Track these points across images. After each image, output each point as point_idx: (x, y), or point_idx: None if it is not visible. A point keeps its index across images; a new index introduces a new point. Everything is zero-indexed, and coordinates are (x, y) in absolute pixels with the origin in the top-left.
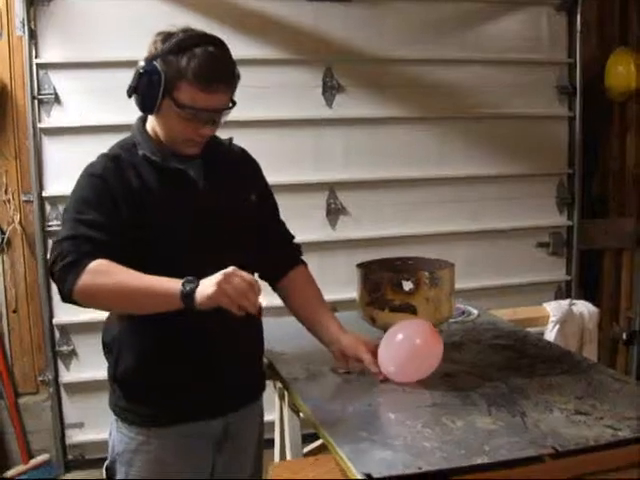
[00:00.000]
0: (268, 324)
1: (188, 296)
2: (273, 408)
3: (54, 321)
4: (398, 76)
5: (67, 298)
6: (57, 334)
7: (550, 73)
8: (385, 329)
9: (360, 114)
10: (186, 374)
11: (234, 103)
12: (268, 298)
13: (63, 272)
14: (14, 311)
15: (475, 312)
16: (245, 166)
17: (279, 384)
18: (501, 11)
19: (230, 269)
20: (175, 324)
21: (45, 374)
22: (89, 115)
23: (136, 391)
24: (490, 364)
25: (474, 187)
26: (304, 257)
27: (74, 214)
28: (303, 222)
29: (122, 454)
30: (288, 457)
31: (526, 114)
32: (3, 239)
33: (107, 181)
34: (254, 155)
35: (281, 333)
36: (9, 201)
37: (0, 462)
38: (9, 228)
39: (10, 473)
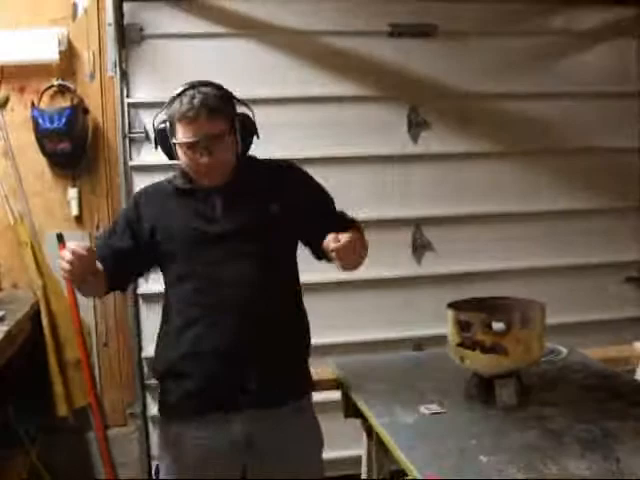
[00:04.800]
0: (356, 361)
1: None
2: (360, 443)
3: (143, 355)
4: (483, 111)
5: None
6: (146, 368)
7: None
8: (475, 370)
9: (446, 150)
10: (203, 367)
11: (233, 132)
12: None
13: None
14: (105, 345)
15: (564, 351)
16: (269, 179)
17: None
18: (588, 43)
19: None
20: (192, 318)
21: (133, 407)
22: None
23: (163, 383)
24: (582, 406)
25: (560, 222)
26: (389, 293)
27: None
28: (389, 258)
29: (158, 454)
30: None
31: (614, 147)
32: None
33: (137, 204)
34: (340, 191)
35: (369, 370)
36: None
37: None
38: None
39: None
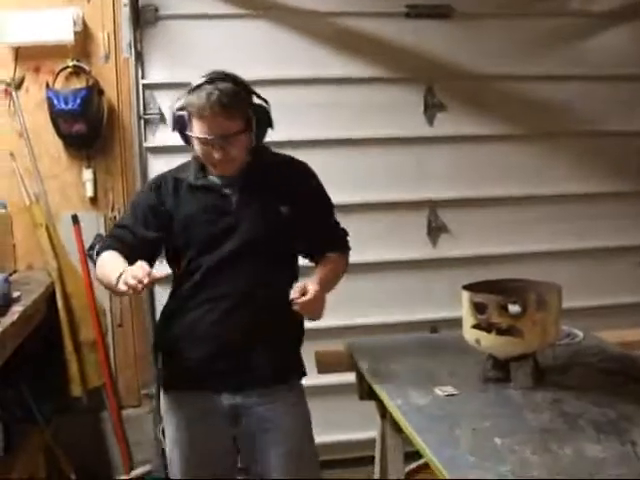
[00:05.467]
0: (370, 343)
1: None
2: (374, 425)
3: None
4: (500, 93)
5: None
6: None
7: None
8: (490, 352)
9: (461, 132)
10: (194, 348)
11: (249, 129)
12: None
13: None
14: (120, 325)
15: (580, 334)
16: (280, 178)
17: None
18: (604, 25)
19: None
20: (187, 303)
21: (148, 387)
22: None
23: (163, 357)
24: (598, 389)
25: (577, 205)
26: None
27: (122, 218)
28: (403, 240)
29: (163, 416)
30: (389, 476)
31: (631, 130)
32: None
33: (158, 188)
34: (356, 172)
35: (383, 352)
36: (115, 218)
37: (103, 472)
38: None
39: None
